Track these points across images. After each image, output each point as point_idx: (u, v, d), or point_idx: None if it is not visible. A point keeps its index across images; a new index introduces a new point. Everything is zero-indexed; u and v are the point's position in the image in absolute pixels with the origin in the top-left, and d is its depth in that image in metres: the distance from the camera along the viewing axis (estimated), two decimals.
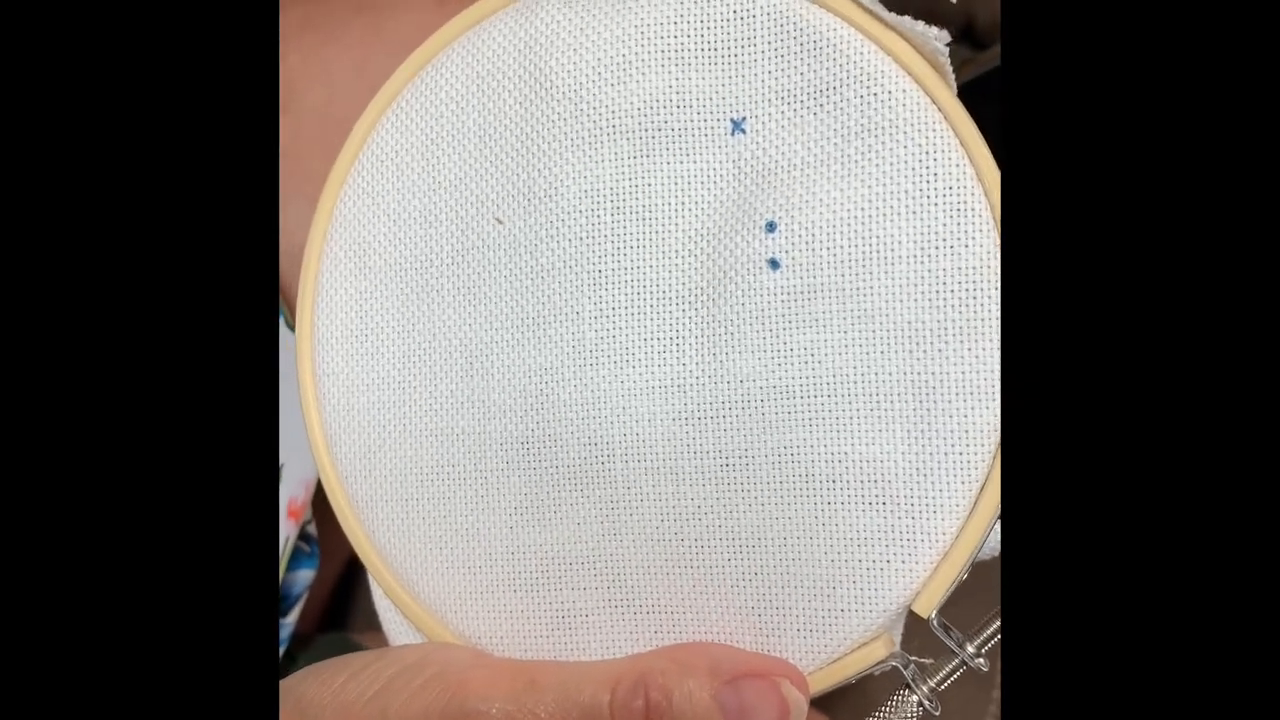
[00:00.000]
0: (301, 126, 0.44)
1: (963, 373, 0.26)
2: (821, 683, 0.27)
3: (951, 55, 0.27)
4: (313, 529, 0.48)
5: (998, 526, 0.26)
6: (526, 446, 0.29)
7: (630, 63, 0.28)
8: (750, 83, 0.28)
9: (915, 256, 0.26)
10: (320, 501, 0.47)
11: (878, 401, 0.26)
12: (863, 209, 0.26)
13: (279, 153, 0.43)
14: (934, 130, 0.26)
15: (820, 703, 0.27)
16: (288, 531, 0.45)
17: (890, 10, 0.27)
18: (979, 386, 0.26)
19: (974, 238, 0.26)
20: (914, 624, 0.28)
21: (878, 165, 0.26)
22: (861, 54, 0.27)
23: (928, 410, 0.26)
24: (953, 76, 0.27)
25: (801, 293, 0.27)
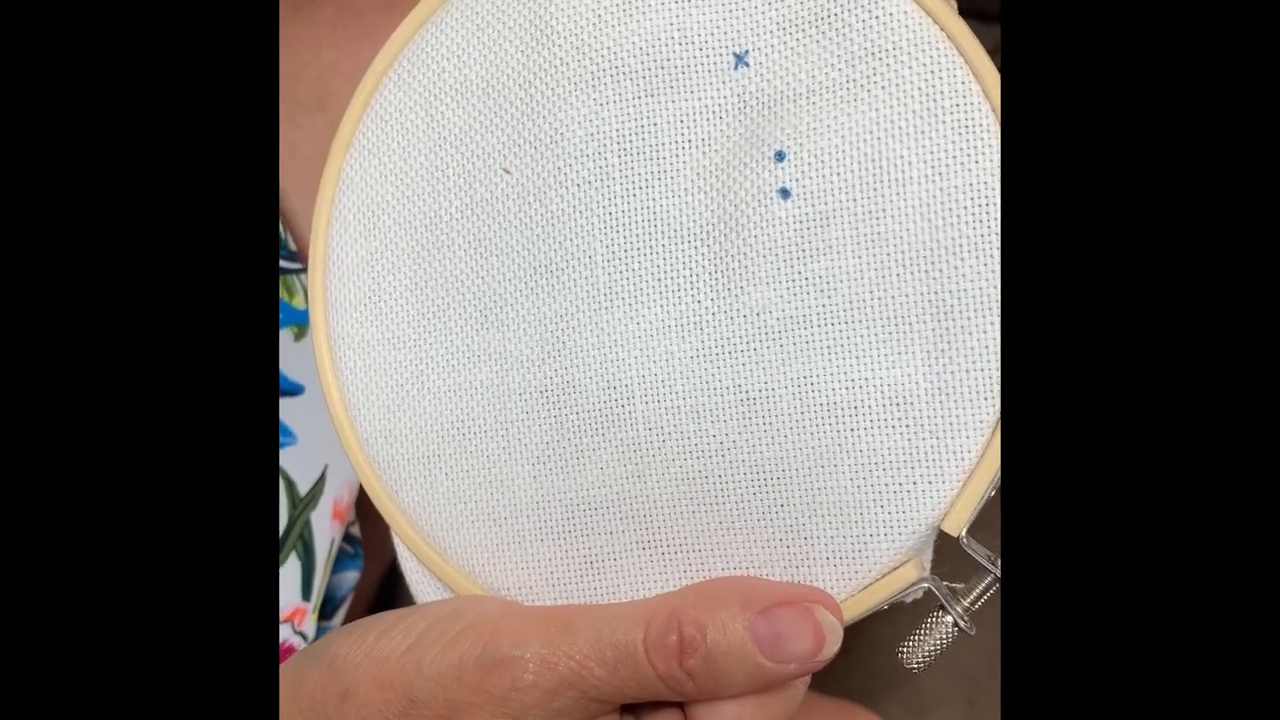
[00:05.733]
0: (337, 123, 0.44)
1: (980, 289, 0.26)
2: (854, 609, 0.27)
3: (983, 37, 0.26)
4: (356, 530, 0.48)
5: None
6: (546, 394, 0.29)
7: (630, 2, 0.28)
8: (751, 15, 0.28)
9: (926, 176, 0.26)
10: (362, 503, 0.47)
11: (896, 325, 0.26)
12: (871, 132, 0.26)
13: (290, 151, 0.43)
14: (938, 49, 0.26)
15: (852, 643, 0.27)
16: (333, 534, 0.44)
17: None
18: (997, 302, 0.25)
19: (983, 153, 0.26)
20: (942, 551, 0.28)
21: (883, 88, 0.26)
22: None
23: (946, 330, 0.26)
24: None
25: (813, 220, 0.27)
